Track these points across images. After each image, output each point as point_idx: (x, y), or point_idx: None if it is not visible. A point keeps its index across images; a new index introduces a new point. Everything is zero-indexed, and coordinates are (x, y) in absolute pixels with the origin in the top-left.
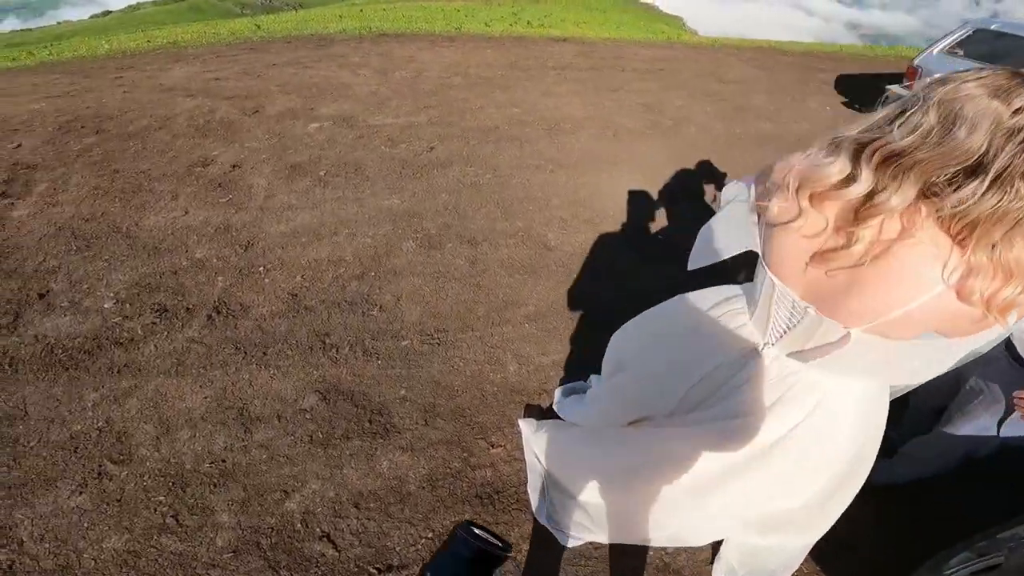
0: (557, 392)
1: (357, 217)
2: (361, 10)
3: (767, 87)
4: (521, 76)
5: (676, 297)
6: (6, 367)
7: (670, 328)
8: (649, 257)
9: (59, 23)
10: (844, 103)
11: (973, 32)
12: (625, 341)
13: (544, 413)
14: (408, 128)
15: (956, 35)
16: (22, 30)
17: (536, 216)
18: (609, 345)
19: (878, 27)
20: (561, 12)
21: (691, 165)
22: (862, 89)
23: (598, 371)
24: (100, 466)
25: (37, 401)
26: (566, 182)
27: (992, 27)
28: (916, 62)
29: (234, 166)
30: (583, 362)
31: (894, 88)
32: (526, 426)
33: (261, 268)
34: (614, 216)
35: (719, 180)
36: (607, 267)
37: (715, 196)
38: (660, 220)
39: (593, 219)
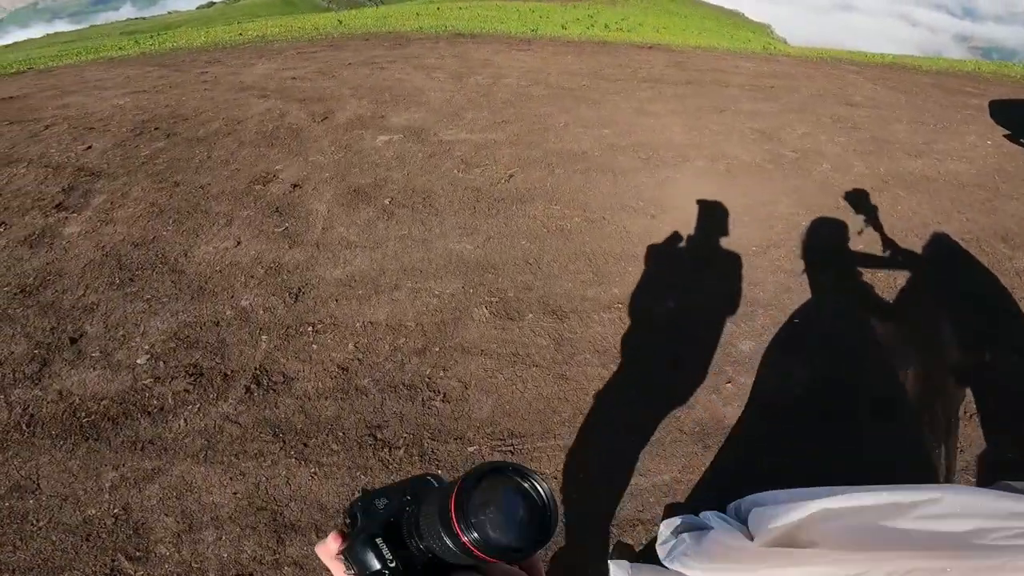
0: (661, 528)
1: (423, 266)
2: (438, 8)
3: (908, 114)
4: (608, 88)
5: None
6: (24, 428)
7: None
8: (786, 346)
9: (169, 13)
10: (1007, 136)
11: None
12: (806, 510)
13: (641, 553)
14: (484, 147)
15: None
16: (136, 19)
17: (636, 280)
18: (761, 504)
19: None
20: (639, 16)
21: (830, 215)
22: None
23: (717, 506)
24: (113, 560)
25: (51, 474)
26: (671, 233)
27: None
28: None
29: (295, 185)
30: (695, 488)
31: None
32: (618, 570)
33: (310, 328)
34: (731, 288)
35: (875, 241)
36: (727, 361)
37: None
38: (793, 298)
39: (708, 289)
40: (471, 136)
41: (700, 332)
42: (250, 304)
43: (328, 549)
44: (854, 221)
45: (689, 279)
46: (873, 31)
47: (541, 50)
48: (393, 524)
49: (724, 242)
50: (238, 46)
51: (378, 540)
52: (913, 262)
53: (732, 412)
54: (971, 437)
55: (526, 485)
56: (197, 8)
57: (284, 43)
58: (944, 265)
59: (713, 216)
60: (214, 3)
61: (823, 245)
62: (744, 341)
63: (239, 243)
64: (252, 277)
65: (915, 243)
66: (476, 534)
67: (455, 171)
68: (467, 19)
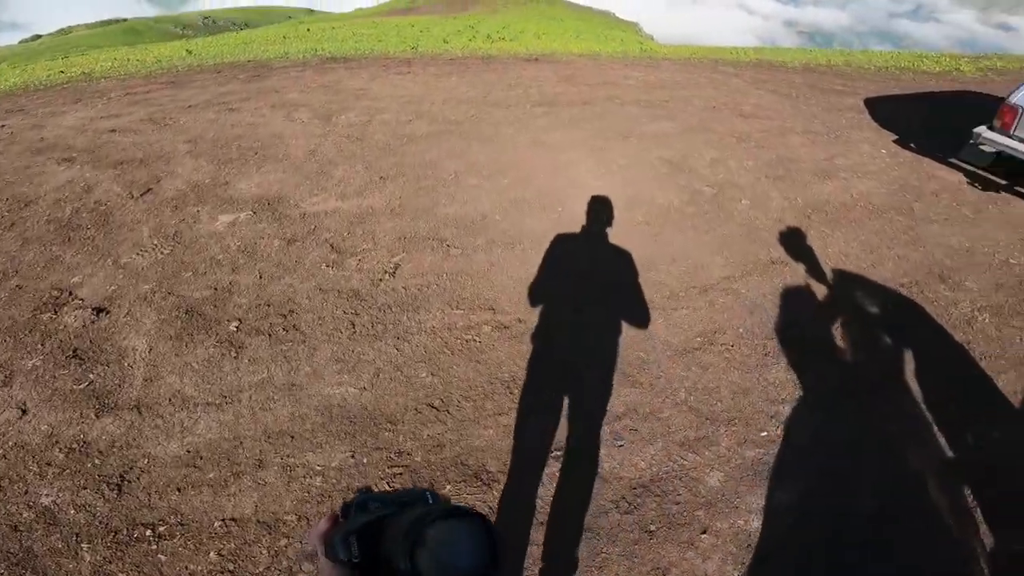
0: None
1: (294, 426)
2: (308, 29)
3: (799, 122)
4: (500, 117)
5: None
6: None
7: None
8: (760, 472)
9: None
10: (896, 141)
11: None
12: None
13: None
14: (360, 221)
15: None
16: None
17: (572, 409)
18: None
19: (812, 24)
20: (519, 23)
21: (767, 274)
22: (905, 119)
23: None
24: None
25: None
26: (598, 336)
27: None
28: (1014, 100)
29: (99, 310)
30: None
31: (986, 133)
32: None
33: (148, 532)
34: (681, 402)
35: (823, 305)
36: (696, 504)
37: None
38: (755, 403)
39: (653, 410)
40: (342, 204)
41: (659, 473)
42: (54, 502)
43: (318, 529)
44: (792, 275)
45: (637, 399)
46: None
47: (423, 71)
48: (374, 525)
49: (665, 335)
50: (54, 87)
51: (351, 537)
52: (872, 334)
53: (716, 569)
54: (978, 530)
55: (483, 540)
56: (20, 43)
57: (113, 81)
58: (903, 333)
59: (654, 293)
60: (40, 36)
61: (772, 322)
62: (711, 473)
63: (24, 412)
64: (50, 464)
65: (861, 300)
66: (421, 562)
67: (323, 265)
68: (340, 40)
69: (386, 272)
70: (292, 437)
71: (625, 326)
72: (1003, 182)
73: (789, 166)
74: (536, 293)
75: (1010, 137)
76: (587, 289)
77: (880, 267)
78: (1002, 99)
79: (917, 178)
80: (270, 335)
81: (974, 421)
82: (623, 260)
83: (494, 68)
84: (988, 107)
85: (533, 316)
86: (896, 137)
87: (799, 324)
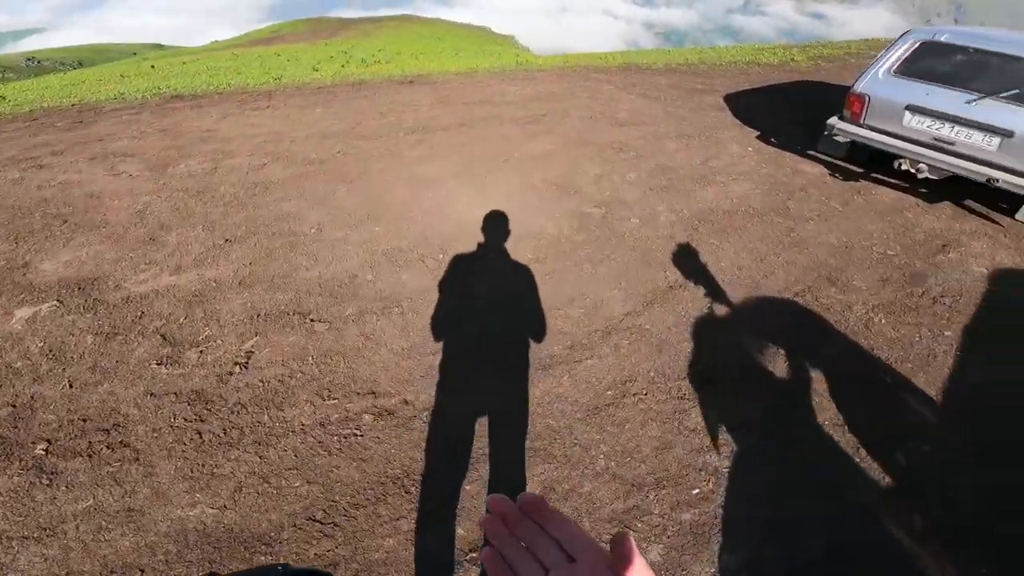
0: None
1: (140, 559)
2: (152, 66)
3: (671, 126)
4: (371, 151)
5: None
6: None
7: None
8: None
9: None
10: (760, 138)
11: (919, 46)
12: None
13: None
14: (200, 300)
15: (899, 50)
16: None
17: (472, 499)
18: None
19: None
20: (395, 45)
21: (669, 303)
22: (761, 114)
23: None
24: None
25: None
26: (512, 405)
27: (941, 38)
28: (859, 88)
29: None
30: None
31: (838, 124)
32: None
33: None
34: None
35: (731, 334)
36: None
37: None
38: (685, 470)
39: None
40: (177, 280)
41: None
42: None
43: None
44: (693, 300)
45: (553, 475)
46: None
47: (285, 104)
48: None
49: (573, 394)
50: None
51: None
52: (782, 357)
53: None
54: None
55: None
56: None
57: None
58: (811, 350)
59: (547, 357)
60: None
61: (681, 358)
62: (649, 548)
63: None
64: None
65: (763, 319)
66: None
67: (154, 363)
68: (191, 75)
69: (236, 363)
70: (142, 571)
71: (528, 392)
72: (859, 170)
73: (670, 175)
74: (423, 367)
75: (860, 126)
76: (482, 353)
77: (773, 277)
78: (845, 88)
79: (784, 174)
80: (90, 456)
81: (902, 439)
82: (518, 311)
83: (365, 94)
84: (830, 96)
85: (422, 395)
86: (758, 133)
87: (708, 356)
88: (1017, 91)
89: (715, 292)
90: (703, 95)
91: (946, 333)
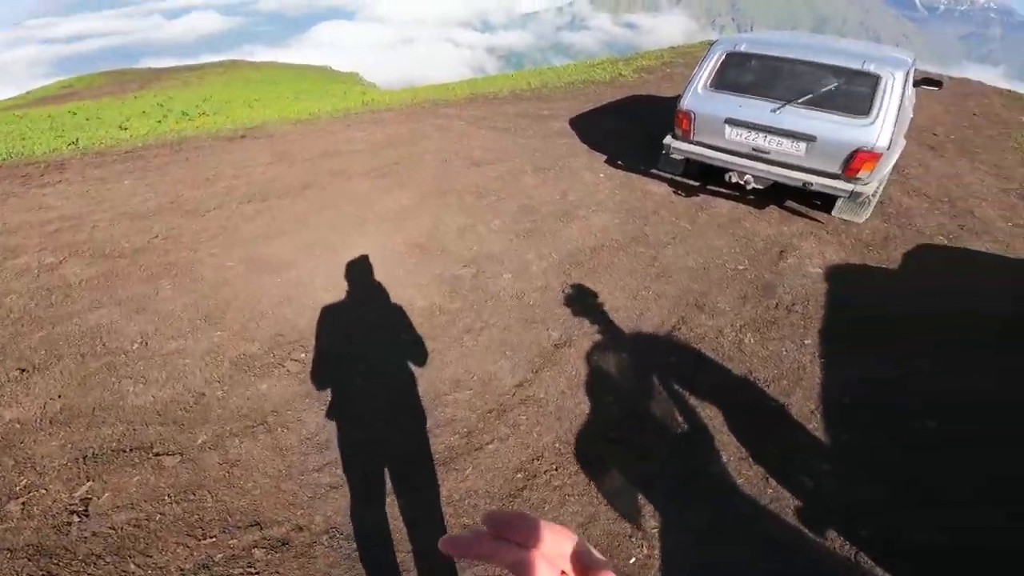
0: None
1: None
2: None
3: (526, 160)
4: (198, 229)
5: None
6: None
7: None
8: None
9: None
10: (608, 162)
11: (726, 57)
12: None
13: None
14: (4, 447)
15: (710, 63)
16: None
17: None
18: None
19: (507, 47)
20: (224, 93)
21: (561, 378)
22: (605, 136)
23: None
24: None
25: None
26: (421, 514)
27: (742, 48)
28: (685, 105)
29: None
30: None
31: (673, 143)
32: None
33: None
34: None
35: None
36: None
37: None
38: None
39: None
40: None
41: None
42: None
43: None
44: (578, 356)
45: None
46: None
47: (83, 177)
48: None
49: (483, 486)
50: None
51: None
52: (676, 401)
53: None
54: None
55: None
56: None
57: None
58: (701, 387)
59: (446, 449)
60: None
61: (580, 422)
62: None
63: None
64: None
65: (649, 362)
66: None
67: None
68: None
69: (73, 512)
70: None
71: (436, 493)
72: (696, 183)
73: (533, 215)
74: (310, 487)
75: (691, 143)
76: (374, 459)
77: (648, 313)
78: (671, 99)
79: (636, 198)
80: None
81: (802, 462)
82: (400, 405)
83: (187, 156)
84: (659, 110)
85: (317, 517)
86: (606, 157)
87: (607, 413)
88: (811, 96)
89: (599, 342)
90: (549, 121)
91: (806, 342)
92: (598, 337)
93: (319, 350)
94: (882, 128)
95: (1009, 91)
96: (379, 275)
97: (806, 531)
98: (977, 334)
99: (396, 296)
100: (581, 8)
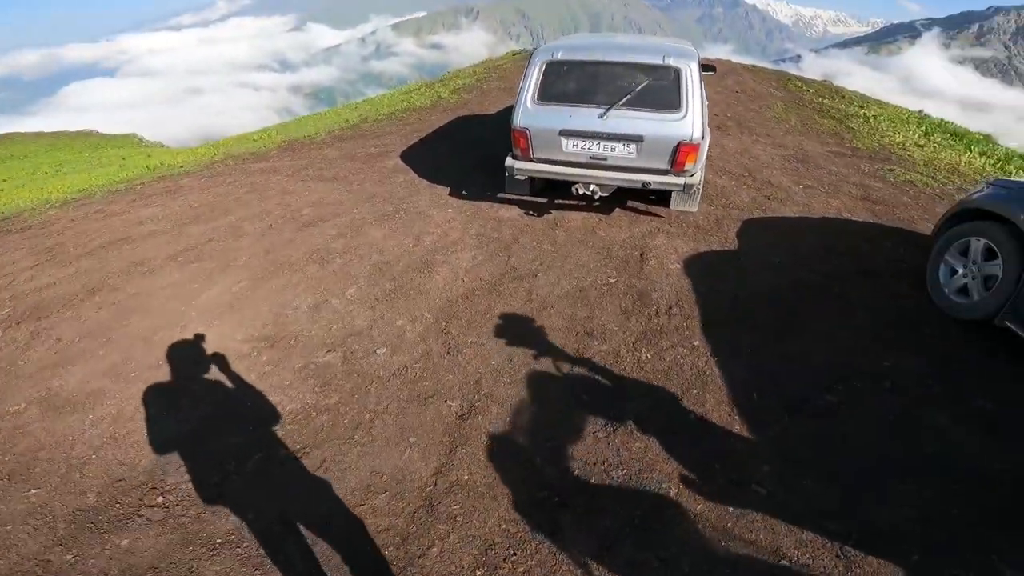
0: None
1: None
2: None
3: (365, 209)
4: None
5: None
6: None
7: None
8: None
9: None
10: (452, 194)
11: (546, 68)
12: None
13: None
14: None
15: (532, 75)
16: None
17: None
18: None
19: (313, 84)
20: None
21: (479, 451)
22: (442, 166)
23: None
24: None
25: None
26: None
27: (560, 57)
28: (518, 124)
29: None
30: None
31: (516, 164)
32: None
33: None
34: None
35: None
36: None
37: None
38: None
39: None
40: None
41: None
42: None
43: None
44: (491, 426)
45: None
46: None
47: None
48: None
49: None
50: None
51: None
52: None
53: None
54: None
55: None
56: None
57: None
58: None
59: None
60: None
61: (523, 499)
62: None
63: None
64: None
65: (563, 410)
66: None
67: None
68: None
69: None
70: None
71: None
72: (544, 200)
73: (391, 272)
74: None
75: (532, 161)
76: None
77: (542, 354)
78: (496, 116)
79: (492, 228)
80: None
81: (740, 484)
82: (316, 531)
83: None
84: (487, 130)
85: None
86: (449, 189)
87: (539, 479)
88: (629, 96)
89: (503, 400)
90: (380, 159)
91: (695, 343)
92: (501, 395)
93: (186, 493)
94: (694, 119)
95: (752, 66)
96: (228, 385)
97: (784, 541)
98: (831, 296)
99: (257, 407)
100: (384, 36)
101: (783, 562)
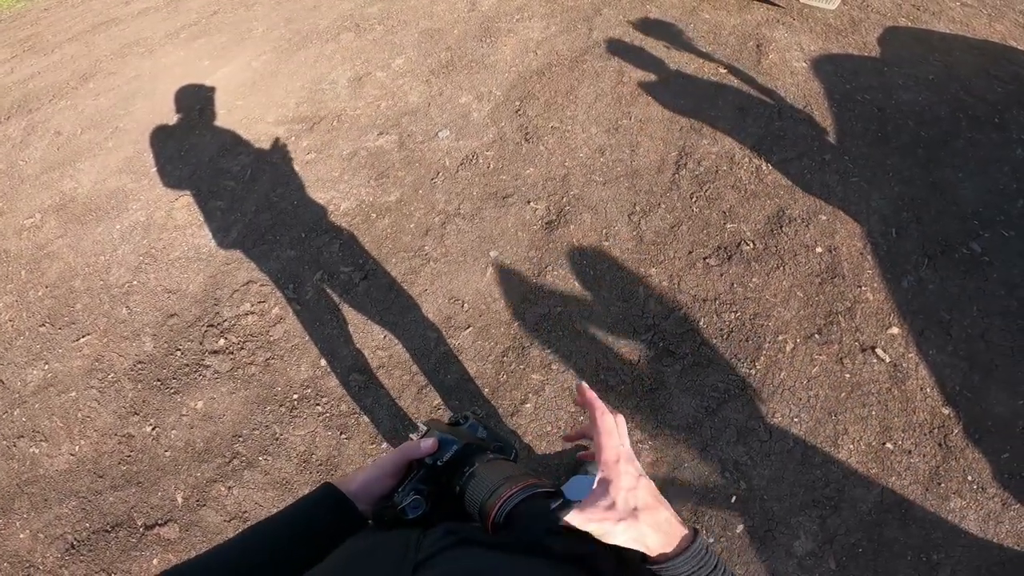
0: None
1: None
2: None
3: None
4: None
5: None
6: None
7: None
8: None
9: None
10: None
11: None
12: None
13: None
14: None
15: None
16: None
17: None
18: None
19: None
20: None
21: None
22: None
23: None
24: None
25: None
26: None
27: None
28: None
29: None
30: None
31: None
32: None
33: None
34: None
35: None
36: None
37: None
38: None
39: None
40: None
41: None
42: None
43: (419, 449)
44: (582, 241)
45: None
46: None
47: None
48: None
49: None
50: None
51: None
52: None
53: None
54: None
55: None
56: None
57: None
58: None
59: None
60: None
61: None
62: None
63: None
64: None
65: (665, 218)
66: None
67: None
68: None
69: None
70: None
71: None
72: None
73: (445, 41)
74: None
75: None
76: None
77: (640, 149)
78: None
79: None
80: None
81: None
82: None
83: None
84: None
85: None
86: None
87: (637, 315)
88: None
89: (597, 211)
90: None
91: (825, 156)
92: (593, 197)
93: (247, 331)
94: None
95: None
96: (267, 181)
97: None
98: (991, 126)
99: (306, 205)
100: None
101: (888, 444)
